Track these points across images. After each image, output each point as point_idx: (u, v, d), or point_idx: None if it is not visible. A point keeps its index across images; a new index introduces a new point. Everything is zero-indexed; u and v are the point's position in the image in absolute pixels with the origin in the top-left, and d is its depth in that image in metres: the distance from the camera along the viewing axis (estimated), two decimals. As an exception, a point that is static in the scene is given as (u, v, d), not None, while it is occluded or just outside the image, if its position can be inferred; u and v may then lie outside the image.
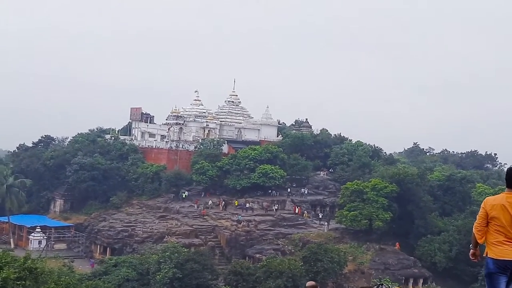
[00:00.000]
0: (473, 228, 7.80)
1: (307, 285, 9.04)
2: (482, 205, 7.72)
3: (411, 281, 72.30)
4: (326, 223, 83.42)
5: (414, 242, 78.13)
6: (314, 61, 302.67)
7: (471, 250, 8.01)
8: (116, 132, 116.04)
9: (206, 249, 71.58)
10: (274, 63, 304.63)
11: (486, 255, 7.61)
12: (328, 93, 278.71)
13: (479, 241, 7.75)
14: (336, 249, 67.05)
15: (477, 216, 7.77)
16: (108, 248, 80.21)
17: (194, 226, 79.83)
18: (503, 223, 7.46)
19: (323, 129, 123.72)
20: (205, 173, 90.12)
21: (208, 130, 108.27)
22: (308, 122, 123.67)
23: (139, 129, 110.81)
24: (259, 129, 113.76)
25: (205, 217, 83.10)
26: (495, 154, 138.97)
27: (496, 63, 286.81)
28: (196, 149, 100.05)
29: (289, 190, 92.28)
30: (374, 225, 76.10)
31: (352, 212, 76.95)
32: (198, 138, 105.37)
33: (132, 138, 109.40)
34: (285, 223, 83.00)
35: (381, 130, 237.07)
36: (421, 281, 72.65)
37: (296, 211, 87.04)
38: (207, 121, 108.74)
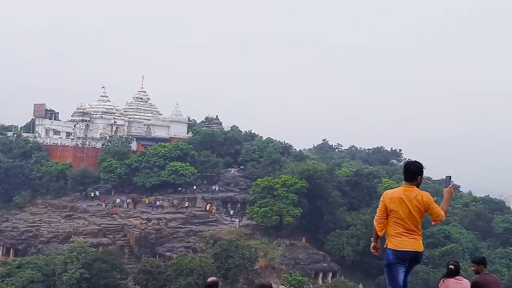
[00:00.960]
0: (374, 221, 7.89)
1: (208, 281, 8.75)
2: (381, 198, 7.86)
3: (321, 275, 73.92)
4: (237, 220, 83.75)
5: (323, 237, 79.79)
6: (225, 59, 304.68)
7: (372, 243, 8.12)
8: (19, 129, 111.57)
9: (114, 249, 70.56)
10: (186, 60, 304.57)
11: (386, 246, 7.73)
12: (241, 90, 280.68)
13: (379, 233, 7.87)
14: (247, 246, 67.62)
15: (377, 210, 7.89)
16: (11, 249, 77.73)
17: (102, 225, 78.14)
18: (401, 216, 7.61)
19: (234, 126, 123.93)
20: (114, 171, 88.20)
21: (116, 127, 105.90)
22: (218, 119, 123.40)
23: (43, 126, 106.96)
24: (168, 126, 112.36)
25: (113, 215, 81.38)
26: (400, 150, 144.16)
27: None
28: (104, 146, 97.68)
29: (194, 187, 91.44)
30: (285, 221, 77.01)
31: (263, 208, 77.57)
32: (106, 135, 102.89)
33: (35, 136, 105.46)
34: (196, 221, 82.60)
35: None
36: (330, 274, 74.43)
37: (207, 208, 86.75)
38: (114, 118, 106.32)
